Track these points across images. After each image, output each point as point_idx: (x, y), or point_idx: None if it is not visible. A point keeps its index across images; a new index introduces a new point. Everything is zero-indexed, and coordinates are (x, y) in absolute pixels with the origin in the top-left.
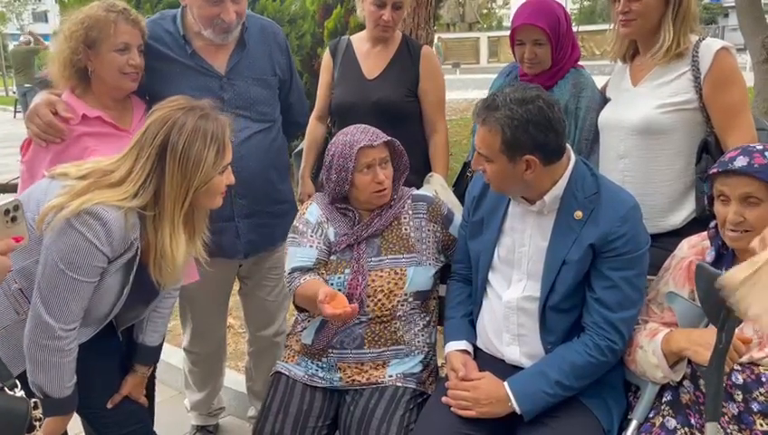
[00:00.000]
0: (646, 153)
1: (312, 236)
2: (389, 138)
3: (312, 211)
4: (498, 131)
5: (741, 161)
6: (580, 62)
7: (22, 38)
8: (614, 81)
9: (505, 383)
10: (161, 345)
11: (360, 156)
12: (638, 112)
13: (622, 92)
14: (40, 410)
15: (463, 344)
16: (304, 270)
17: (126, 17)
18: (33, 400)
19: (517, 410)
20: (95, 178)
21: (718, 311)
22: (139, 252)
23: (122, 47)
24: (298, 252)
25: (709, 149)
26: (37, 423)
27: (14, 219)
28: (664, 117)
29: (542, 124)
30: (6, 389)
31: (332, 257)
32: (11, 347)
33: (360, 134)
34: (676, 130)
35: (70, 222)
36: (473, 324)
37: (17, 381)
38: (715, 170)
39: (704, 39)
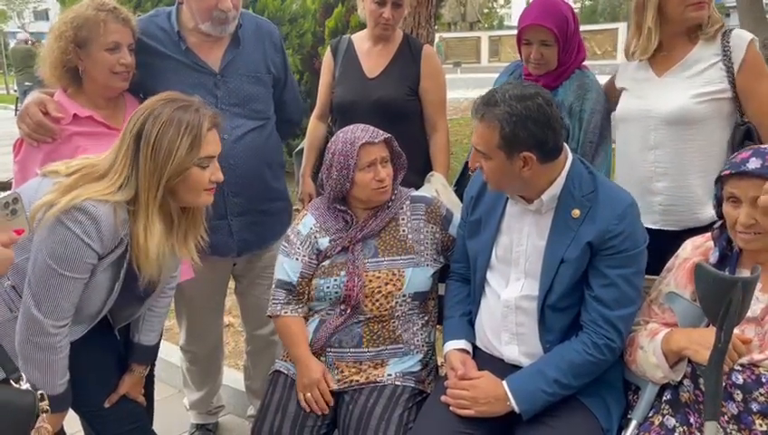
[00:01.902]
0: (679, 144)
1: (299, 248)
2: (388, 135)
3: (306, 222)
4: (497, 127)
5: (754, 163)
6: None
7: (20, 36)
8: (627, 72)
9: (504, 382)
10: (158, 344)
11: (361, 154)
12: (671, 102)
13: (642, 83)
14: (46, 402)
15: (462, 344)
16: (288, 291)
17: (116, 16)
18: (40, 392)
19: (516, 408)
20: (84, 172)
21: (717, 310)
22: (129, 248)
23: (112, 46)
24: (285, 262)
25: (752, 137)
26: (44, 414)
27: (13, 212)
28: (699, 107)
29: (540, 121)
30: (12, 381)
31: (325, 263)
32: (6, 344)
33: (360, 132)
34: (709, 120)
35: (60, 219)
36: (472, 324)
37: (23, 374)
38: (727, 172)
39: (732, 29)
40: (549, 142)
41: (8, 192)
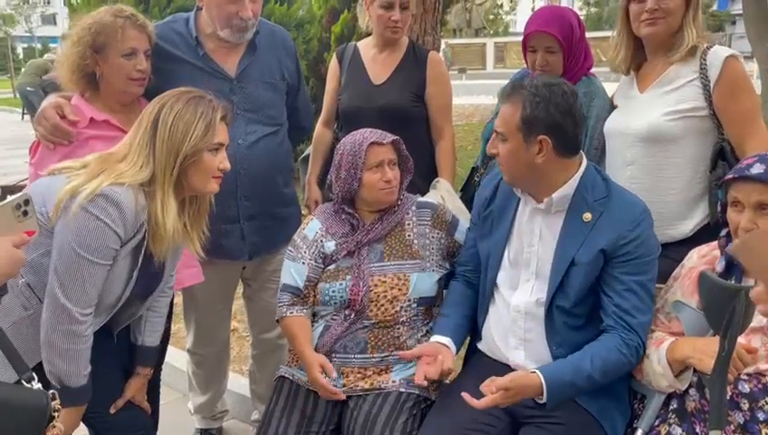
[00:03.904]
0: (652, 161)
1: (305, 252)
2: (396, 137)
3: (311, 227)
4: (519, 106)
5: (758, 168)
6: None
7: (47, 55)
8: (621, 88)
9: (537, 371)
10: (159, 347)
11: (369, 153)
12: (644, 120)
13: (629, 100)
14: (57, 401)
15: (446, 341)
16: (294, 294)
17: (133, 23)
18: (51, 391)
19: (544, 397)
20: (103, 158)
21: (720, 318)
22: (147, 235)
23: (129, 52)
24: (291, 266)
25: (725, 156)
26: (56, 414)
27: (25, 213)
28: (670, 124)
29: (561, 106)
30: (24, 382)
31: (331, 267)
32: (20, 343)
33: (368, 133)
34: (683, 138)
35: (84, 207)
36: (465, 328)
37: (34, 374)
38: (730, 177)
39: (711, 47)
40: (567, 130)
41: (19, 193)
